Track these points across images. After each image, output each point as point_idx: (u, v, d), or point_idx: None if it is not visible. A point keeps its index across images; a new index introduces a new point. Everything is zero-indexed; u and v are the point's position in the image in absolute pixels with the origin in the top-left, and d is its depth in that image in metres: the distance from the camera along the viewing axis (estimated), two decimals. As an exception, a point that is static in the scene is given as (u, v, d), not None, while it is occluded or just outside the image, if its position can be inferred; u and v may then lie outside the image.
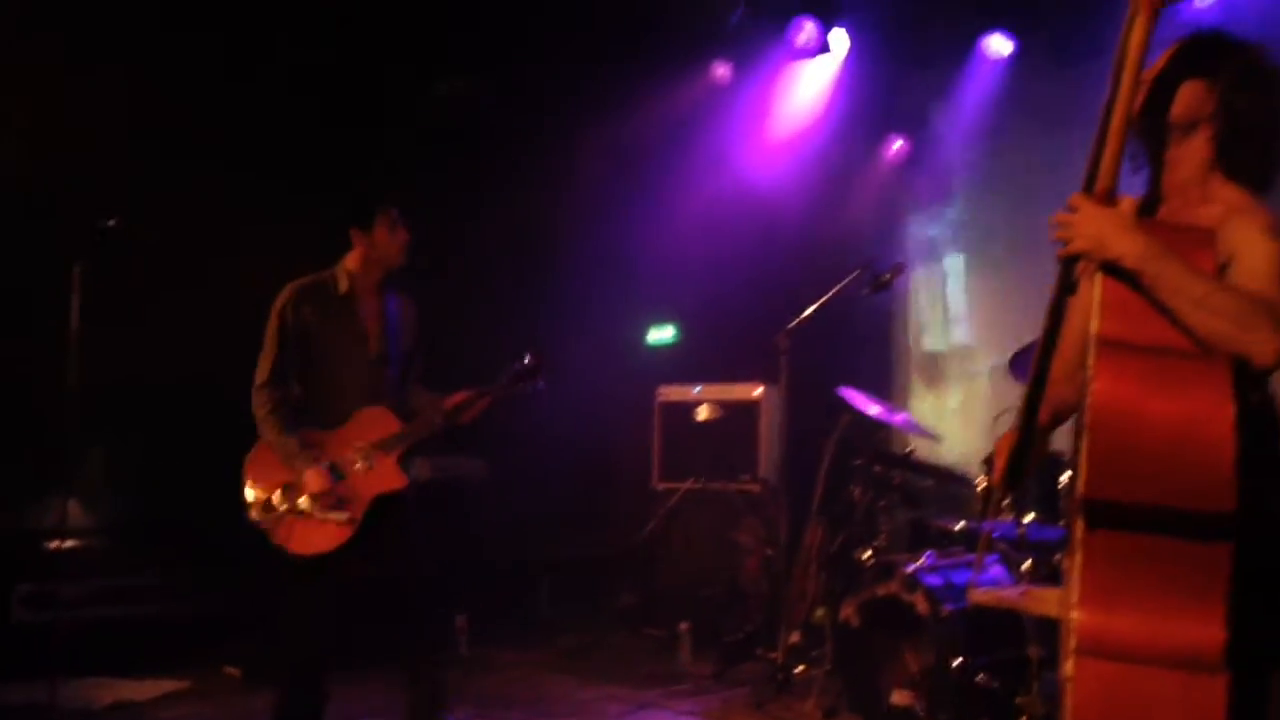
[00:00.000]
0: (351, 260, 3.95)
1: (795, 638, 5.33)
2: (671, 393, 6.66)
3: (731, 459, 6.32)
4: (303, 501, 3.74)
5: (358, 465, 3.80)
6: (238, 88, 5.62)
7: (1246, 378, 2.02)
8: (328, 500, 3.73)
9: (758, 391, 6.39)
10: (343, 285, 3.92)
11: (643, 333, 7.32)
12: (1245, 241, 2.09)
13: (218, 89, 5.58)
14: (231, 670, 5.29)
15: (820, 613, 5.40)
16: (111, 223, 4.14)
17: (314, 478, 3.73)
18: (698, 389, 6.57)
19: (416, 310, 4.12)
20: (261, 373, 3.85)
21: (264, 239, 5.54)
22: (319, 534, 3.74)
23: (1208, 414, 1.90)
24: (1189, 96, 2.22)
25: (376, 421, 3.85)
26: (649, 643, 6.20)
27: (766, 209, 6.82)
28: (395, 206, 3.94)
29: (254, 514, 3.81)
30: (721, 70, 6.92)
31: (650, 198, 6.78)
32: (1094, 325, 2.04)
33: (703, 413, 6.47)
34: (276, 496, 3.79)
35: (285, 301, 3.87)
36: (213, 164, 5.51)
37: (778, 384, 5.49)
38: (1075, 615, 1.97)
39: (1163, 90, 2.24)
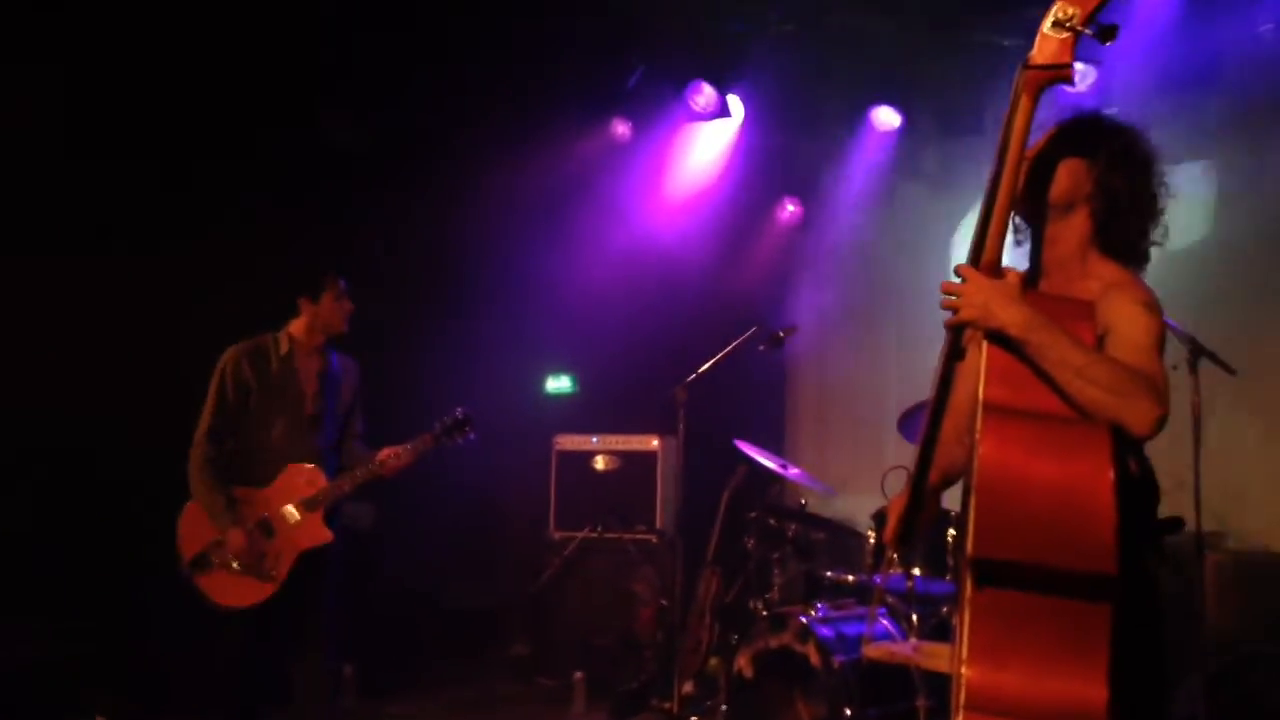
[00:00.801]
0: (295, 326, 4.17)
1: (689, 688, 5.40)
2: (568, 442, 6.71)
3: (628, 509, 6.38)
4: (231, 559, 3.93)
5: (287, 521, 3.99)
6: (110, 126, 5.52)
7: (1126, 445, 2.10)
8: (250, 558, 3.91)
9: (655, 443, 6.49)
10: (283, 347, 4.12)
11: (540, 382, 7.36)
12: (1122, 315, 2.18)
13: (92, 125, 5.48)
14: (101, 719, 5.13)
15: (714, 663, 5.47)
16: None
17: (236, 537, 3.91)
18: (595, 439, 6.64)
19: (358, 370, 4.34)
20: (200, 429, 4.03)
21: (155, 288, 5.49)
22: (246, 588, 3.94)
23: (1089, 479, 1.96)
24: (1068, 176, 2.32)
25: (304, 478, 4.04)
26: (542, 692, 6.20)
27: (665, 264, 6.95)
28: (342, 278, 4.17)
29: (186, 568, 3.99)
30: (621, 128, 7.04)
31: (549, 250, 6.83)
32: (981, 391, 2.11)
33: (600, 462, 6.55)
34: (209, 552, 3.98)
35: (227, 361, 4.06)
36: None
37: (675, 435, 5.59)
38: (965, 671, 2.02)
39: (1043, 169, 2.33)
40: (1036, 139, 2.36)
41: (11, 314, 5.24)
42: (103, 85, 5.36)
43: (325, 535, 4.01)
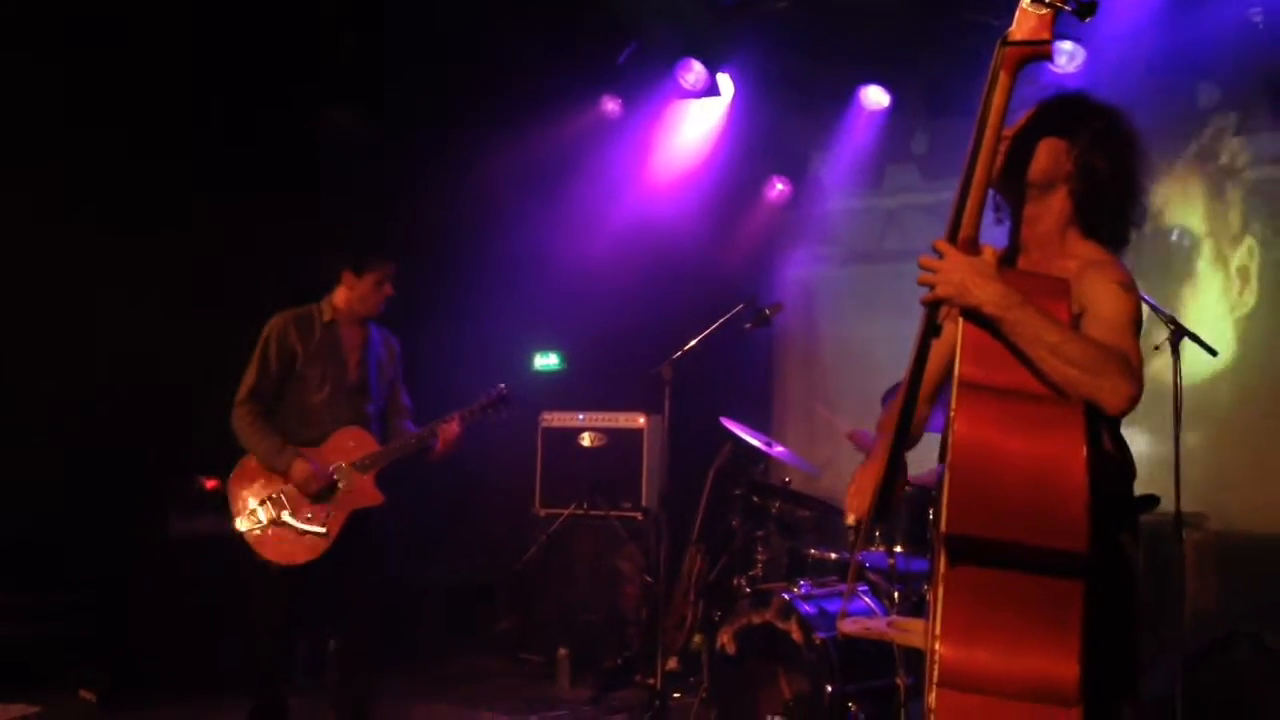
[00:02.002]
0: (338, 296, 4.27)
1: (673, 664, 5.44)
2: (555, 418, 6.72)
3: (613, 486, 6.40)
4: (286, 514, 4.00)
5: (338, 481, 4.07)
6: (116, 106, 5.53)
7: (1101, 422, 2.11)
8: (316, 485, 3.98)
9: (641, 420, 6.50)
10: (326, 315, 4.22)
11: (528, 359, 7.36)
12: (1098, 294, 2.18)
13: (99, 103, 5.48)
14: (87, 694, 5.14)
15: (698, 639, 5.51)
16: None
17: (301, 466, 3.98)
18: (581, 416, 6.65)
19: (398, 344, 4.46)
20: (242, 390, 4.10)
21: (146, 260, 5.49)
22: (299, 546, 4.01)
23: (1062, 457, 1.96)
24: (1048, 156, 2.31)
25: (353, 441, 4.14)
26: (527, 668, 6.24)
27: (653, 242, 6.94)
28: (390, 263, 4.27)
29: (239, 525, 4.04)
30: (611, 105, 7.02)
31: (537, 227, 6.82)
32: (956, 368, 2.11)
33: (587, 439, 6.56)
34: (261, 509, 4.04)
35: (274, 327, 4.16)
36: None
37: (661, 413, 5.59)
38: (938, 648, 2.03)
39: (1023, 148, 2.33)
40: (1018, 118, 2.35)
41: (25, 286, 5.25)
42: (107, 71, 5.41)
43: (376, 497, 4.09)
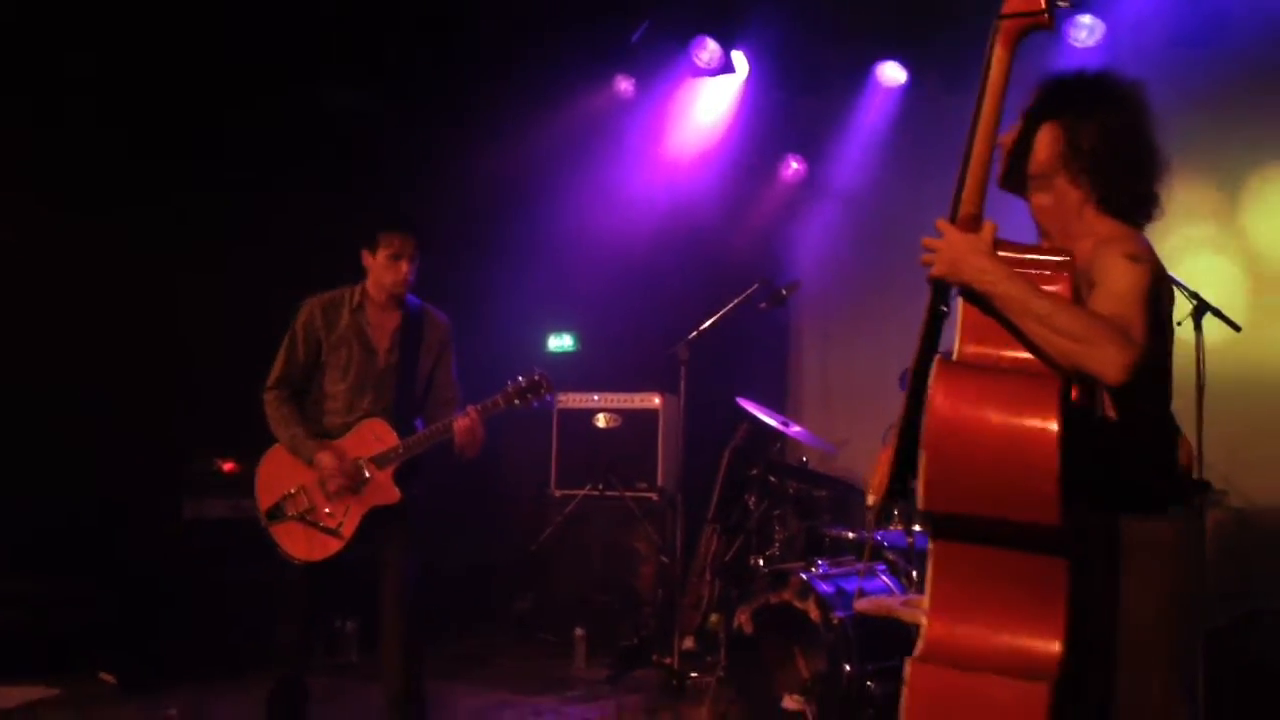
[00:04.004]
0: (369, 279, 4.02)
1: (689, 644, 5.44)
2: (570, 400, 6.70)
3: (629, 467, 6.39)
4: (306, 509, 3.85)
5: (367, 476, 3.85)
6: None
7: (1124, 395, 2.08)
8: (342, 477, 3.79)
9: (656, 400, 6.49)
10: (356, 299, 3.98)
11: (542, 340, 7.35)
12: (1106, 268, 2.15)
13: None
14: (107, 677, 5.17)
15: (714, 619, 5.51)
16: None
17: (327, 457, 3.81)
18: (597, 397, 6.64)
19: (447, 328, 4.13)
20: (271, 377, 3.95)
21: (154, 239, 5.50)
22: (315, 543, 3.84)
23: (1033, 430, 1.95)
24: (1042, 147, 2.31)
25: (374, 434, 3.87)
26: (544, 648, 6.24)
27: (668, 222, 6.92)
28: (404, 236, 3.95)
29: (264, 517, 3.90)
30: (624, 84, 6.99)
31: (552, 207, 6.81)
32: (955, 346, 2.12)
33: (602, 420, 6.55)
34: (285, 501, 3.89)
35: (303, 312, 3.98)
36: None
37: (677, 394, 5.58)
38: (925, 623, 2.05)
39: (1021, 150, 2.33)
40: (1011, 126, 2.34)
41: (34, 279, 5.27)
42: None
43: (392, 494, 3.83)
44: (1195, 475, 2.39)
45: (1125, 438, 2.22)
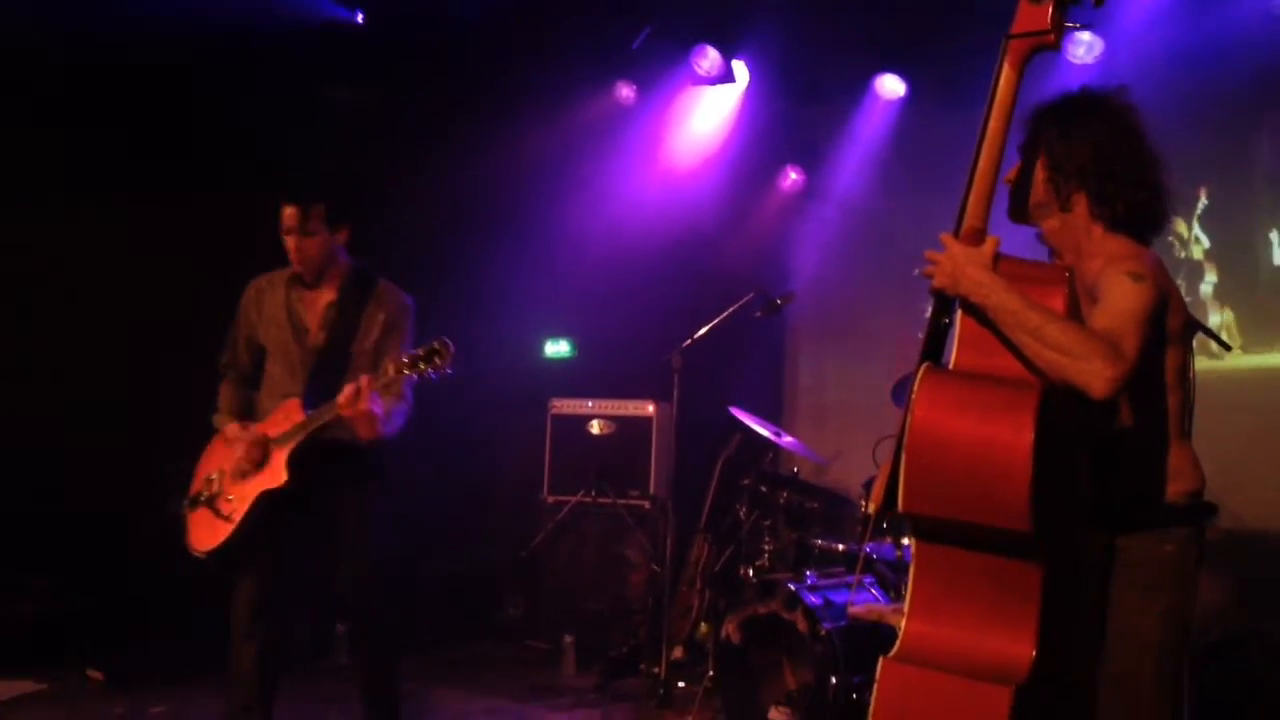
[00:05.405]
0: None
1: (678, 653, 5.43)
2: (564, 405, 6.70)
3: (622, 474, 6.38)
4: (216, 491, 3.67)
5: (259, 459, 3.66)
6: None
7: (1124, 408, 2.15)
8: (246, 449, 3.61)
9: (650, 408, 6.48)
10: (288, 276, 3.82)
11: (538, 345, 7.35)
12: (1107, 285, 2.20)
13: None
14: (94, 673, 5.16)
15: (704, 629, 5.51)
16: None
17: (233, 427, 3.71)
18: (591, 403, 6.64)
19: (399, 306, 3.87)
20: (220, 362, 3.91)
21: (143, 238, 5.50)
22: (207, 530, 3.66)
23: (1007, 438, 1.98)
24: (1037, 182, 2.37)
25: (285, 414, 3.68)
26: (533, 655, 6.23)
27: (665, 230, 6.91)
28: (285, 207, 3.70)
29: (185, 506, 3.76)
30: (625, 91, 6.99)
31: (549, 213, 6.81)
32: (952, 356, 2.17)
33: (596, 427, 6.54)
34: (205, 486, 3.74)
35: (245, 294, 3.89)
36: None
37: (670, 401, 5.58)
38: (904, 624, 2.11)
39: (1023, 184, 2.38)
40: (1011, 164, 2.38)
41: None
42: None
43: (277, 478, 3.54)
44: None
45: (1123, 454, 2.23)
